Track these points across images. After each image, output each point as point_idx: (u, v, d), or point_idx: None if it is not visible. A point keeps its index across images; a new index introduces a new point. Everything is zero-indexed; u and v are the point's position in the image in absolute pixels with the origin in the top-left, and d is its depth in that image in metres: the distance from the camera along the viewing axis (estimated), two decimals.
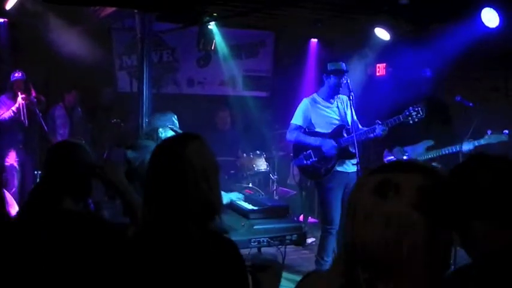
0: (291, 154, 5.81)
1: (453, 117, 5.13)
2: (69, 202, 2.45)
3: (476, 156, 1.66)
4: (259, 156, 7.78)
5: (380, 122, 5.11)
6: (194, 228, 1.87)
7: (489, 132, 5.15)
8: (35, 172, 7.29)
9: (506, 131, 5.11)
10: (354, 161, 5.02)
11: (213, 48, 7.70)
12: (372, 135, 5.16)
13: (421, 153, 5.78)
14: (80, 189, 2.54)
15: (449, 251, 1.25)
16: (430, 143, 5.76)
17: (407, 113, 5.04)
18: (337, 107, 5.31)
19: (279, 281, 2.14)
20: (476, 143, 5.26)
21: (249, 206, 4.28)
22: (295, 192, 7.91)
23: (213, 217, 1.94)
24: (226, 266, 1.87)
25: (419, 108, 5.02)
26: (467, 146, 5.26)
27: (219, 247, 1.90)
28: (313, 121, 5.34)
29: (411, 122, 5.06)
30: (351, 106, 5.21)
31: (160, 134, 4.57)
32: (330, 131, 5.28)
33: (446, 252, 1.24)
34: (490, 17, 5.62)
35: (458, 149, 5.40)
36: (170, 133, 4.63)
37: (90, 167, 2.57)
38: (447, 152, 5.52)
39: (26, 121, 6.84)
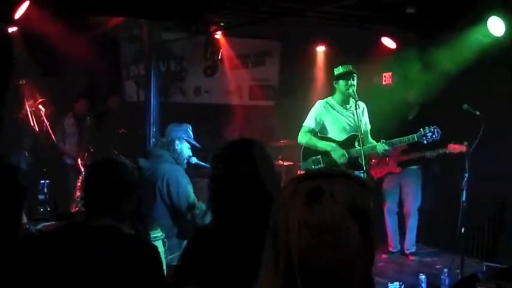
0: (299, 162, 5.72)
1: (444, 124, 5.15)
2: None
3: None
4: None
5: (386, 145, 5.03)
6: None
7: None
8: (41, 181, 7.24)
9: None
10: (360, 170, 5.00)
11: (219, 57, 7.73)
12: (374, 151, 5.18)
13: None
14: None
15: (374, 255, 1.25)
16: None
17: (422, 133, 4.96)
18: (353, 113, 5.05)
19: None
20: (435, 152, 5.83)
21: None
22: None
23: None
24: None
25: (436, 130, 4.93)
26: (430, 153, 5.87)
27: None
28: (326, 125, 5.26)
29: (425, 142, 5.01)
30: (365, 113, 5.24)
31: (176, 146, 4.54)
32: (342, 138, 5.21)
33: (374, 256, 1.23)
34: (496, 25, 5.64)
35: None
36: (186, 145, 4.60)
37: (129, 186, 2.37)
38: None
39: (36, 127, 6.74)
